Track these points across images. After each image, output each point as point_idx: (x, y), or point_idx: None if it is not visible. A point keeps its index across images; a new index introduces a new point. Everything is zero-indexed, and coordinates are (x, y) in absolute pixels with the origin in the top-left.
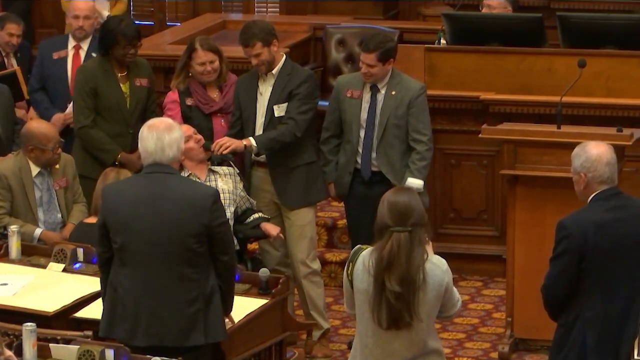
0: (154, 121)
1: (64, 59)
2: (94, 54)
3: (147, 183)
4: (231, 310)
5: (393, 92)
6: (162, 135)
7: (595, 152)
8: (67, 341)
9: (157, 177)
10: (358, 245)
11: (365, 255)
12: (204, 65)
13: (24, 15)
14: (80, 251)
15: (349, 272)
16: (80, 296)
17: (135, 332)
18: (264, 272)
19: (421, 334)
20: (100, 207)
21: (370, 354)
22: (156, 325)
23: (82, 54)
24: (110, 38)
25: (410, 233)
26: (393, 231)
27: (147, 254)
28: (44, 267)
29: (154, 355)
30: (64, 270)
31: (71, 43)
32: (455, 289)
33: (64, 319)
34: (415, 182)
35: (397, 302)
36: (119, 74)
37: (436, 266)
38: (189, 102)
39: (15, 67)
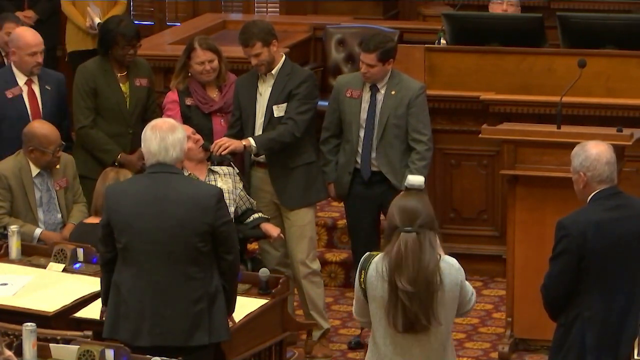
0: (157, 121)
1: (20, 97)
2: (47, 87)
3: (151, 183)
4: (234, 310)
5: (393, 92)
6: (166, 136)
7: (594, 151)
8: (67, 341)
9: (161, 177)
10: (368, 252)
11: (378, 261)
12: (202, 64)
13: (50, 16)
14: (80, 251)
15: (361, 280)
16: (80, 296)
17: (139, 332)
18: (264, 272)
19: (441, 338)
20: (104, 207)
21: None
22: (160, 325)
23: (36, 88)
24: (109, 38)
25: (419, 235)
26: (401, 231)
27: (151, 254)
28: (44, 267)
29: (159, 356)
30: (64, 270)
31: (21, 79)
32: (467, 283)
33: (64, 319)
34: (415, 179)
35: (411, 304)
36: (119, 74)
37: (450, 265)
38: (188, 102)
39: None
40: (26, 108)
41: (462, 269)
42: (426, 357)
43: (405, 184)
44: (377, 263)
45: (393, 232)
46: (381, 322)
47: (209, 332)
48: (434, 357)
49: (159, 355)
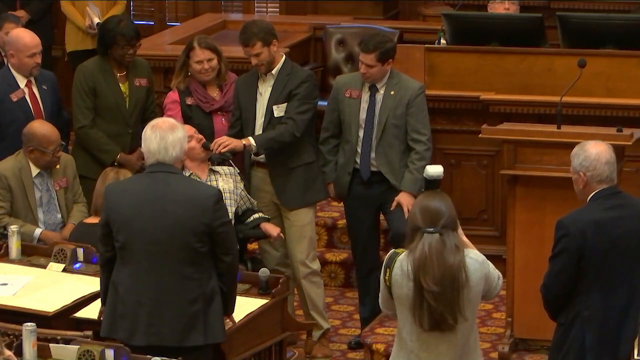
0: (157, 121)
1: (23, 99)
2: (44, 87)
3: (150, 182)
4: (233, 311)
5: (392, 92)
6: (165, 135)
7: (594, 151)
8: (67, 341)
9: (160, 177)
10: (393, 250)
11: (403, 260)
12: (201, 63)
13: (42, 15)
14: (80, 251)
15: (386, 278)
16: (80, 296)
17: (135, 330)
18: (264, 272)
19: (467, 334)
20: (103, 206)
21: (417, 358)
22: (156, 324)
23: (35, 89)
24: (108, 38)
25: (442, 235)
26: (424, 232)
27: (149, 253)
28: (44, 267)
29: (155, 355)
30: (64, 270)
31: (21, 81)
32: (492, 270)
33: (64, 319)
34: (434, 169)
35: (437, 304)
36: (118, 74)
37: (474, 260)
38: (189, 101)
39: None
40: (30, 110)
41: (486, 260)
42: (453, 352)
43: (424, 175)
44: (402, 261)
45: (416, 233)
46: (407, 319)
47: (204, 333)
48: (461, 352)
49: (157, 355)
